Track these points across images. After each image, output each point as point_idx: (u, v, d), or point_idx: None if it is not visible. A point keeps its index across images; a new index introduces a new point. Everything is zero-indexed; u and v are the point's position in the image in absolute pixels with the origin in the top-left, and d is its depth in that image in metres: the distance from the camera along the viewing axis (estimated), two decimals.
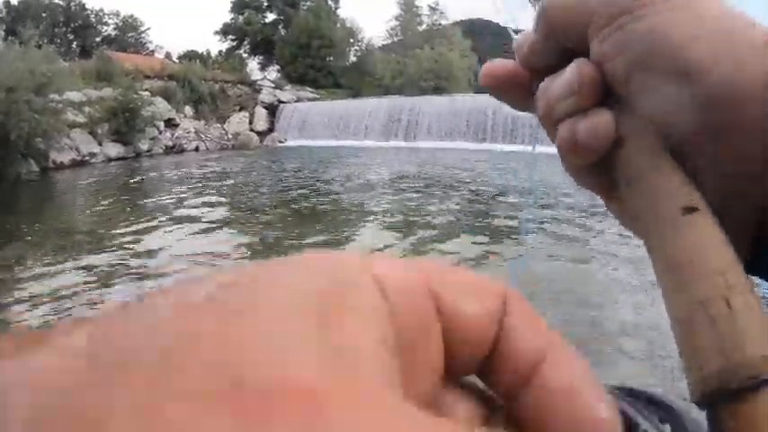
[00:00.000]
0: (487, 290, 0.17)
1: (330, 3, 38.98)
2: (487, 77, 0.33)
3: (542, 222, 8.00)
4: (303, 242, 7.47)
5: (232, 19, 40.67)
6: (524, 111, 0.35)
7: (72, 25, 44.23)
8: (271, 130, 23.31)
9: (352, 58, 39.15)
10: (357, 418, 0.11)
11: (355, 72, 36.49)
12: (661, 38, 0.25)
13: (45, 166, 13.47)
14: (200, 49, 41.44)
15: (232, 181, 13.14)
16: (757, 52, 0.24)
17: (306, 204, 10.19)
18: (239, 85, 24.65)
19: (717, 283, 0.22)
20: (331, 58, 36.13)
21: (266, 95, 24.50)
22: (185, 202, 10.24)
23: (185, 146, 19.51)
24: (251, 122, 23.08)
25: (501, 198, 10.52)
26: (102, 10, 47.59)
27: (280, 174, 14.28)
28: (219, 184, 12.57)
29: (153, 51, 39.57)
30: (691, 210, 0.24)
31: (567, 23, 0.29)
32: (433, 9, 40.23)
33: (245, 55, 39.00)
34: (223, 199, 10.89)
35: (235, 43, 40.06)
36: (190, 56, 36.72)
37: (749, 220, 0.25)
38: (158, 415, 0.10)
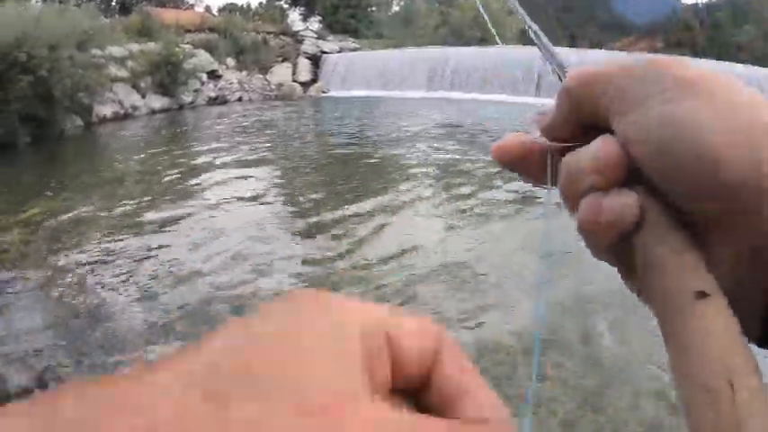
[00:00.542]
0: (426, 334, 0.23)
1: None
2: (500, 152, 0.35)
3: None
4: (346, 193, 7.22)
5: None
6: (535, 184, 0.35)
7: None
8: (314, 80, 23.00)
9: (395, 8, 38.46)
10: (364, 415, 0.19)
11: (398, 22, 35.88)
12: (684, 125, 0.26)
13: (89, 121, 13.47)
14: (240, 2, 40.97)
15: (275, 130, 12.95)
16: None
17: (347, 153, 9.91)
18: (281, 36, 24.24)
19: (721, 368, 0.23)
20: (373, 9, 35.29)
21: (309, 46, 24.12)
22: (229, 151, 10.06)
23: (228, 97, 19.35)
24: (294, 73, 22.79)
25: None
26: None
27: (323, 123, 14.08)
28: (263, 133, 12.38)
29: (192, 6, 39.20)
30: (703, 295, 0.25)
31: (590, 102, 0.31)
32: None
33: (285, 6, 38.36)
34: (267, 147, 10.66)
35: None
36: (230, 8, 36.46)
37: (761, 301, 0.27)
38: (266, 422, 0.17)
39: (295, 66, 23.10)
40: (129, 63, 16.15)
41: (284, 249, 5.31)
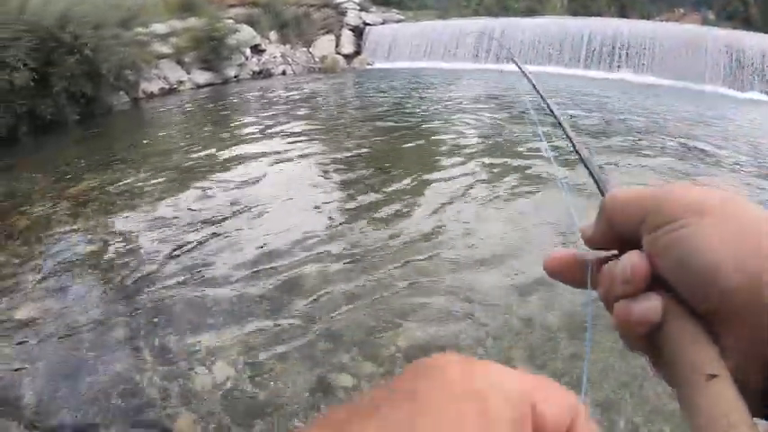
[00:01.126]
0: (564, 404, 0.29)
1: None
2: (552, 263, 0.43)
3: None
4: (391, 168, 7.03)
5: None
6: (577, 288, 0.43)
7: None
8: (357, 52, 22.73)
9: None
10: None
11: None
12: (696, 243, 0.33)
13: (136, 97, 13.59)
14: None
15: (318, 103, 12.79)
16: (762, 261, 0.32)
17: (390, 125, 9.67)
18: (324, 9, 23.96)
19: (724, 424, 0.30)
20: None
21: (352, 18, 23.82)
22: (271, 124, 9.94)
23: (272, 70, 19.25)
24: (337, 45, 22.54)
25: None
26: None
27: (365, 96, 13.85)
28: (305, 105, 12.24)
29: None
30: (713, 376, 0.32)
31: (624, 221, 0.38)
32: None
33: None
34: (309, 120, 10.51)
35: None
36: None
37: (762, 380, 0.33)
38: None
39: (338, 38, 22.85)
40: (173, 39, 16.19)
41: (326, 221, 5.14)
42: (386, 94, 13.46)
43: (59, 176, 6.92)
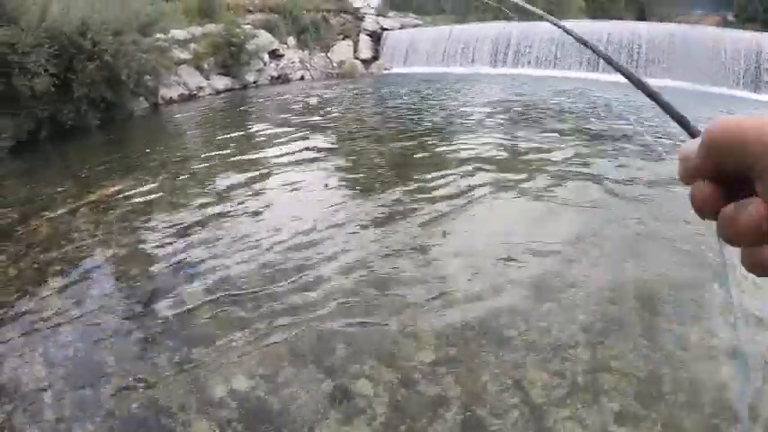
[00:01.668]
0: None
1: None
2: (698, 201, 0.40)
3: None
4: (409, 170, 7.00)
5: None
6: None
7: None
8: (375, 57, 22.77)
9: None
10: None
11: None
12: None
13: (155, 102, 13.72)
14: None
15: (337, 108, 12.80)
16: None
17: (410, 129, 9.65)
18: (341, 14, 24.03)
19: None
20: None
21: (369, 23, 23.87)
22: (291, 129, 9.97)
23: (291, 75, 19.34)
24: (355, 51, 22.60)
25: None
26: None
27: (383, 101, 13.84)
28: (325, 110, 12.26)
29: None
30: None
31: (731, 157, 0.36)
32: None
33: None
34: (326, 125, 10.53)
35: None
36: None
37: None
38: None
39: (356, 43, 22.91)
40: (192, 45, 16.32)
41: (343, 230, 5.11)
42: (402, 100, 13.45)
43: (80, 182, 6.98)
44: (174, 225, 5.30)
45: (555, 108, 11.78)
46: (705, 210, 0.38)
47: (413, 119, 10.71)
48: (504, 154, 7.66)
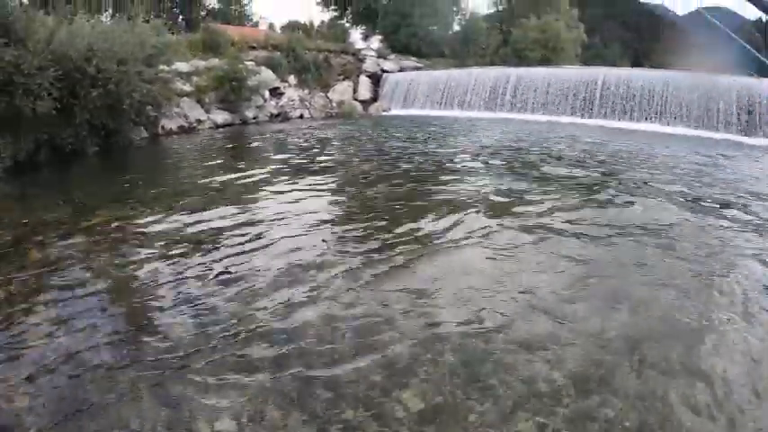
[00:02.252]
0: None
1: None
2: None
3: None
4: (400, 215, 7.03)
5: None
6: None
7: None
8: (374, 99, 23.08)
9: (456, 28, 38.29)
10: None
11: (459, 41, 35.70)
12: None
13: (155, 133, 13.81)
14: (303, 20, 41.51)
15: (335, 148, 12.90)
16: None
17: (407, 171, 9.72)
18: (342, 55, 24.45)
19: None
20: (434, 27, 35.21)
21: (370, 65, 24.27)
22: (288, 167, 10.03)
23: (290, 114, 19.54)
24: (355, 91, 22.92)
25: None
26: None
27: (383, 142, 13.95)
28: (323, 150, 12.35)
29: (257, 24, 40.03)
30: None
31: None
32: None
33: (347, 25, 38.71)
34: (326, 164, 10.60)
35: (337, 13, 39.77)
36: (293, 26, 37.03)
37: None
38: None
39: (356, 84, 23.23)
40: (195, 78, 16.49)
41: (333, 271, 5.07)
42: (400, 141, 13.57)
43: (74, 208, 6.96)
44: (164, 259, 5.26)
45: (548, 153, 11.93)
46: None
47: (409, 161, 10.80)
48: (497, 199, 7.70)
